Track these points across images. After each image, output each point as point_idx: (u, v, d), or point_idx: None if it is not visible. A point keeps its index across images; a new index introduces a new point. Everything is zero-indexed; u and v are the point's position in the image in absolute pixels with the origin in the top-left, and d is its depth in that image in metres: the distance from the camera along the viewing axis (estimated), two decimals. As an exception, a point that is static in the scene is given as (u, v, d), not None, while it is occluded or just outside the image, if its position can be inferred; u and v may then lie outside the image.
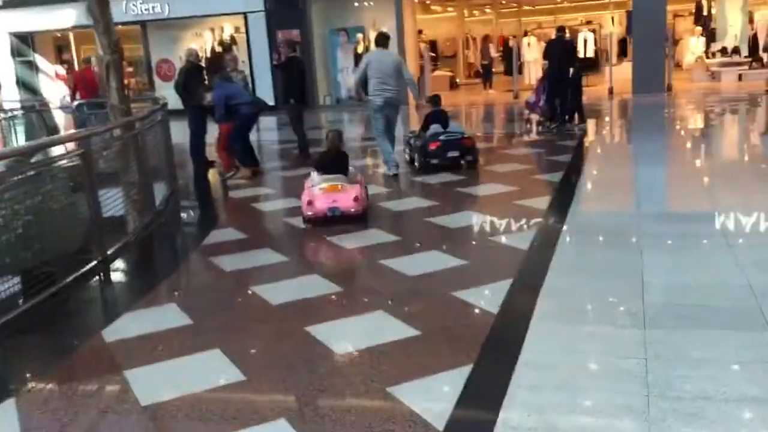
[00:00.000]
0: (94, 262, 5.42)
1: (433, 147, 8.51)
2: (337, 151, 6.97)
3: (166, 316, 4.34)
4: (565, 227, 5.76)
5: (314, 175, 6.74)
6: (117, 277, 5.65)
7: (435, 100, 9.41)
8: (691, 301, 4.02)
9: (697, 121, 12.68)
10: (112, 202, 6.19)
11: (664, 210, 6.59)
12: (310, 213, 6.34)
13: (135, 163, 6.62)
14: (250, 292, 4.69)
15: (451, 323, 3.96)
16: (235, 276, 5.14)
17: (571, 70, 11.60)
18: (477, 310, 4.14)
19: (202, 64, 10.42)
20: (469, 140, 8.74)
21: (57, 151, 6.61)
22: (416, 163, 8.76)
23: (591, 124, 12.57)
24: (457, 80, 22.78)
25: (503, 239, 5.56)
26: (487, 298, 4.28)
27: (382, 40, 8.69)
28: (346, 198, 6.31)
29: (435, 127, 8.68)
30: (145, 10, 19.24)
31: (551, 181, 7.72)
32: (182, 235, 7.20)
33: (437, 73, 22.06)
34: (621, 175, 8.18)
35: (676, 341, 3.49)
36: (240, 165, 9.14)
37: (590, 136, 11.31)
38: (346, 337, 3.91)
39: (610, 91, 16.66)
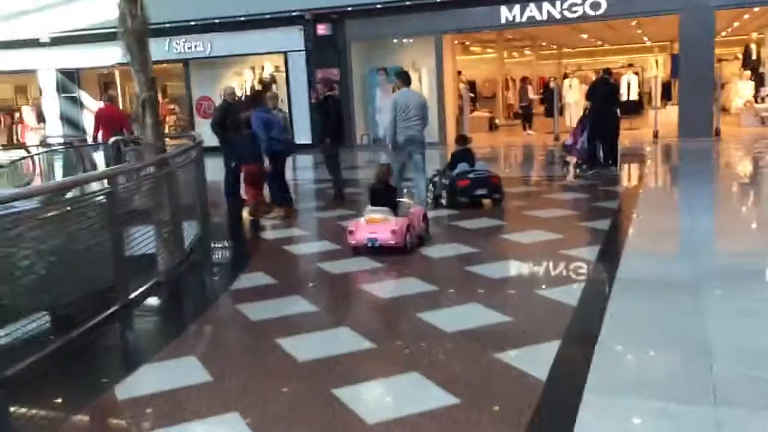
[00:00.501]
0: (118, 306, 5.18)
1: (462, 184, 8.60)
2: (384, 184, 7.19)
3: (185, 370, 4.03)
4: (616, 281, 5.33)
5: (369, 206, 6.98)
6: (140, 322, 5.40)
7: (463, 139, 9.63)
8: None
9: (750, 169, 12.13)
10: (142, 241, 5.99)
11: (724, 264, 6.09)
12: (352, 242, 6.65)
13: (167, 202, 6.43)
14: (275, 345, 4.35)
15: (495, 390, 3.57)
16: (261, 326, 4.82)
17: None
18: (523, 376, 3.74)
19: (240, 101, 10.30)
20: (496, 178, 8.84)
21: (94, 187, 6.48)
22: (443, 201, 8.79)
23: (636, 168, 12.14)
24: (497, 121, 22.52)
25: (550, 293, 5.16)
26: (534, 361, 3.88)
27: (406, 78, 8.89)
28: (385, 230, 6.51)
29: (462, 166, 8.79)
30: (188, 48, 19.50)
31: (598, 229, 7.30)
32: (210, 278, 6.94)
33: (476, 113, 21.84)
34: (673, 225, 7.73)
35: (755, 423, 3.05)
36: (274, 204, 8.95)
37: (635, 181, 10.88)
38: (377, 403, 3.56)
39: (655, 135, 16.19)
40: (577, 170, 11.45)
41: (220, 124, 9.70)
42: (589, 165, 11.33)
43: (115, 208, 5.23)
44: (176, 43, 19.49)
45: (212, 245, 7.96)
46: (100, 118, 11.40)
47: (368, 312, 5.28)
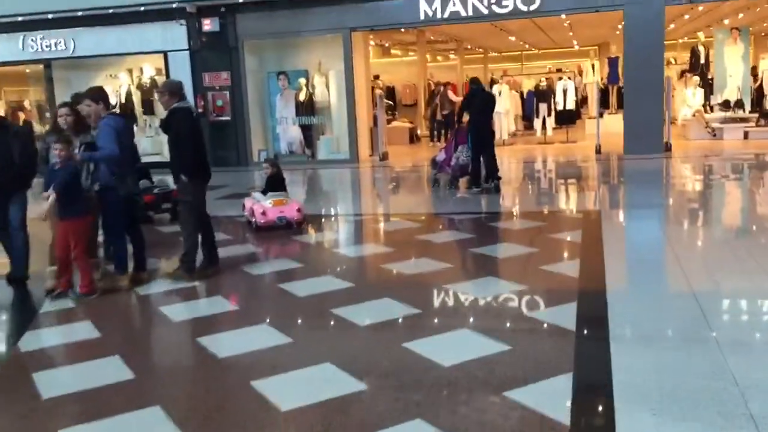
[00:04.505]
0: None
1: (148, 200, 8.73)
2: (278, 175, 8.35)
3: None
4: None
5: (257, 195, 8.28)
6: None
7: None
8: None
9: (731, 198, 9.78)
10: None
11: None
12: (262, 221, 7.81)
13: None
14: None
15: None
16: None
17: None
18: None
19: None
20: (175, 193, 8.69)
21: None
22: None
23: (603, 202, 9.72)
24: (418, 132, 19.97)
25: None
26: None
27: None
28: (291, 209, 7.93)
29: (144, 182, 8.78)
30: (47, 46, 16.16)
31: (564, 329, 4.62)
32: None
33: (395, 123, 19.26)
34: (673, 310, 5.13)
35: None
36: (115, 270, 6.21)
37: (596, 225, 8.32)
38: None
39: (598, 150, 13.95)
40: (449, 188, 10.47)
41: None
42: (476, 182, 10.19)
43: None
44: (32, 40, 16.14)
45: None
46: None
47: None
